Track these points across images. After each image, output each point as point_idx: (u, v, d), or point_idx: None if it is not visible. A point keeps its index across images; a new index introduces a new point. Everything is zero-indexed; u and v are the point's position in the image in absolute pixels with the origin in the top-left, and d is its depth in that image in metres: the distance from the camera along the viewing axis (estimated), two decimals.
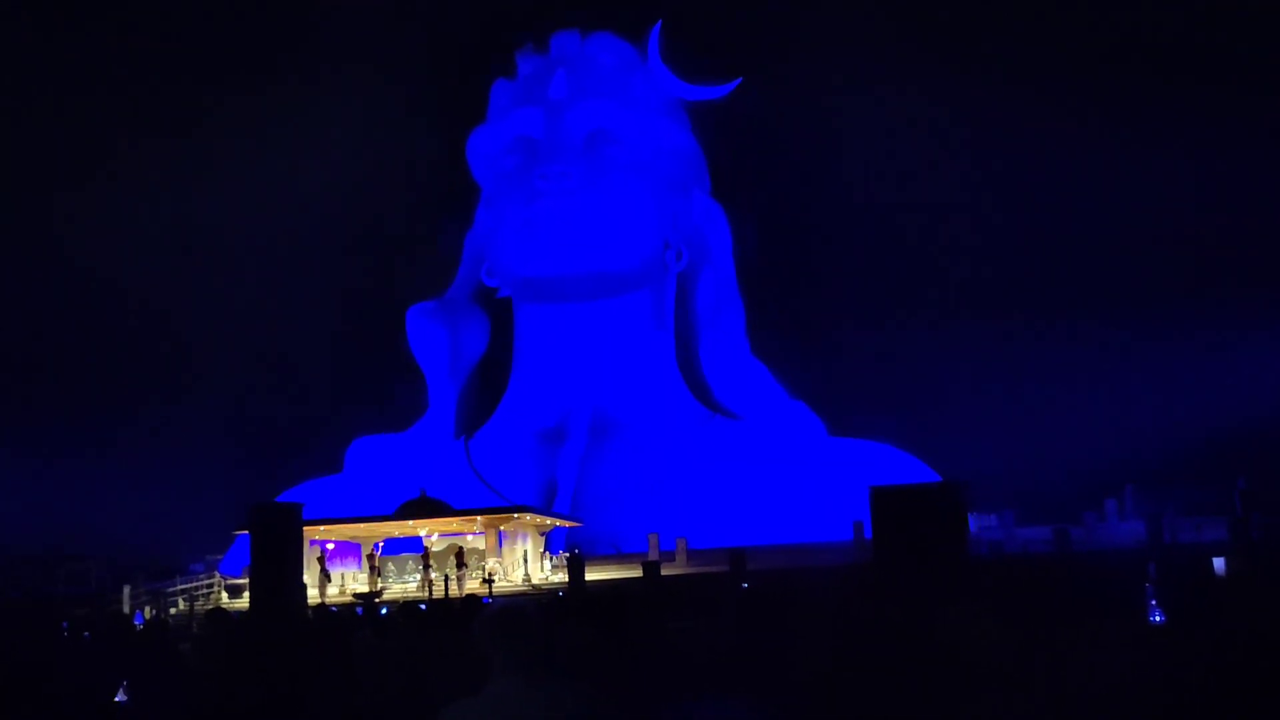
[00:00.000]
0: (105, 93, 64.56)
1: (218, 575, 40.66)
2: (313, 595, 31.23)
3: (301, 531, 25.44)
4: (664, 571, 31.12)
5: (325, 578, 35.69)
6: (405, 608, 11.05)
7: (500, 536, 38.90)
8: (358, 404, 61.23)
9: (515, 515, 39.33)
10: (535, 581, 37.19)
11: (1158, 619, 8.51)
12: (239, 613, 17.76)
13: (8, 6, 65.55)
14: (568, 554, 38.06)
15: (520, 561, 39.24)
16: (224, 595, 37.75)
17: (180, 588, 38.08)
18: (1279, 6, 59.55)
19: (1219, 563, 15.19)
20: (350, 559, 41.07)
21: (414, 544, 40.40)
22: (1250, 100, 57.21)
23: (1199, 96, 57.48)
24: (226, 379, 65.42)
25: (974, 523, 37.61)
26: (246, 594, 30.32)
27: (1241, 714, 5.69)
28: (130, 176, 64.88)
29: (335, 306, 65.70)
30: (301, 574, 24.94)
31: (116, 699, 7.68)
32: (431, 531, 39.64)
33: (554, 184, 53.40)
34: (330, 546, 39.31)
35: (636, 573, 31.15)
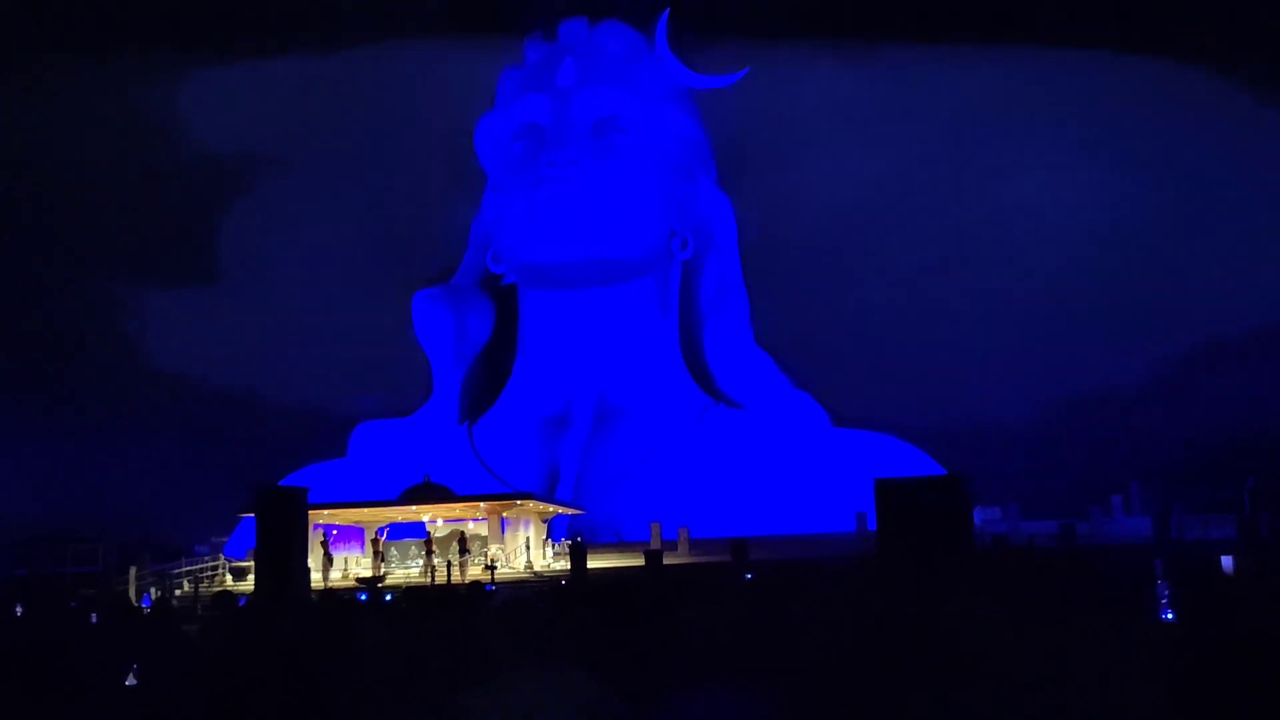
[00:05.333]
0: (110, 80, 64.52)
1: (222, 558, 40.78)
2: (316, 579, 31.31)
3: (307, 515, 25.49)
4: (666, 561, 31.18)
5: (328, 561, 35.81)
6: (410, 593, 11.09)
7: (503, 523, 39.01)
8: (363, 388, 61.33)
9: (518, 502, 39.46)
10: (537, 568, 37.29)
11: (1168, 616, 8.50)
12: (244, 595, 17.81)
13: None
14: (569, 541, 38.14)
15: (522, 548, 39.35)
16: (229, 578, 37.86)
17: (185, 570, 38.21)
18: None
19: (1227, 561, 15.14)
20: (354, 543, 41.20)
21: (417, 529, 40.51)
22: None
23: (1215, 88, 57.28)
24: (234, 362, 65.49)
25: (978, 516, 37.47)
26: (251, 576, 30.46)
27: (1248, 716, 5.69)
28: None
29: (342, 291, 65.72)
30: (306, 557, 25.01)
31: (126, 682, 7.70)
32: (435, 517, 39.75)
33: (561, 171, 53.32)
34: (335, 531, 39.42)
35: (638, 561, 31.19)
